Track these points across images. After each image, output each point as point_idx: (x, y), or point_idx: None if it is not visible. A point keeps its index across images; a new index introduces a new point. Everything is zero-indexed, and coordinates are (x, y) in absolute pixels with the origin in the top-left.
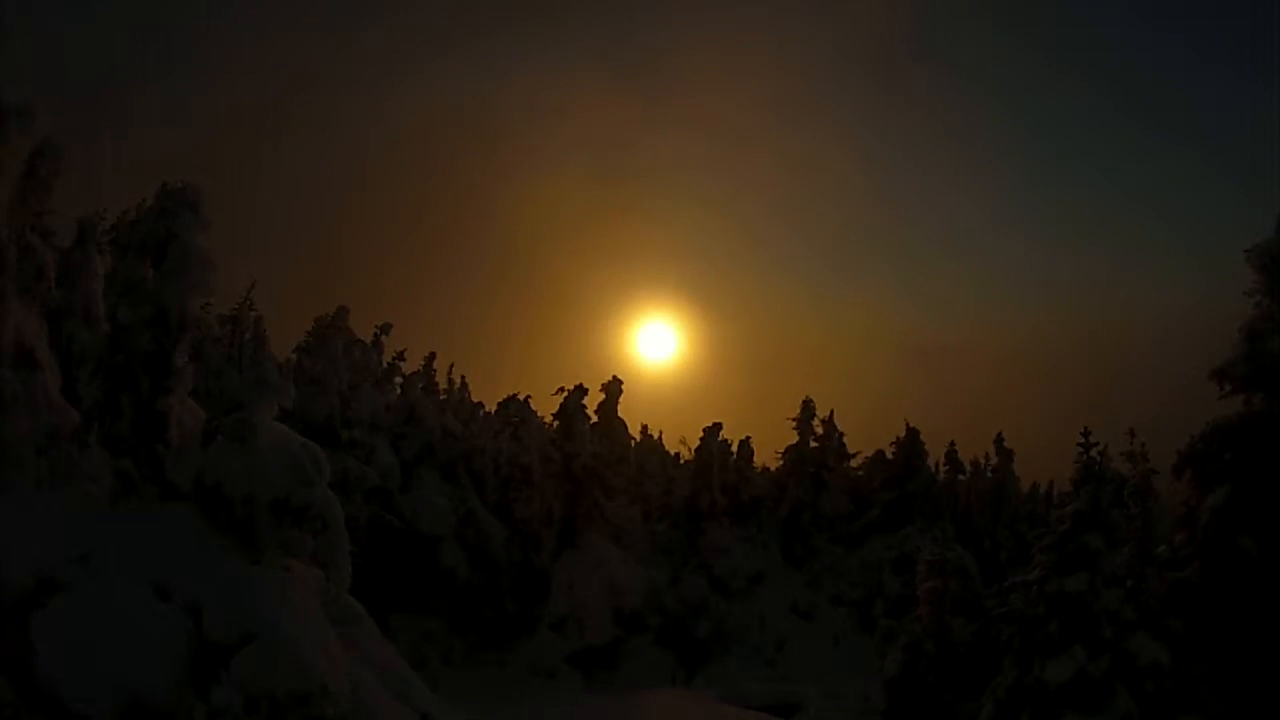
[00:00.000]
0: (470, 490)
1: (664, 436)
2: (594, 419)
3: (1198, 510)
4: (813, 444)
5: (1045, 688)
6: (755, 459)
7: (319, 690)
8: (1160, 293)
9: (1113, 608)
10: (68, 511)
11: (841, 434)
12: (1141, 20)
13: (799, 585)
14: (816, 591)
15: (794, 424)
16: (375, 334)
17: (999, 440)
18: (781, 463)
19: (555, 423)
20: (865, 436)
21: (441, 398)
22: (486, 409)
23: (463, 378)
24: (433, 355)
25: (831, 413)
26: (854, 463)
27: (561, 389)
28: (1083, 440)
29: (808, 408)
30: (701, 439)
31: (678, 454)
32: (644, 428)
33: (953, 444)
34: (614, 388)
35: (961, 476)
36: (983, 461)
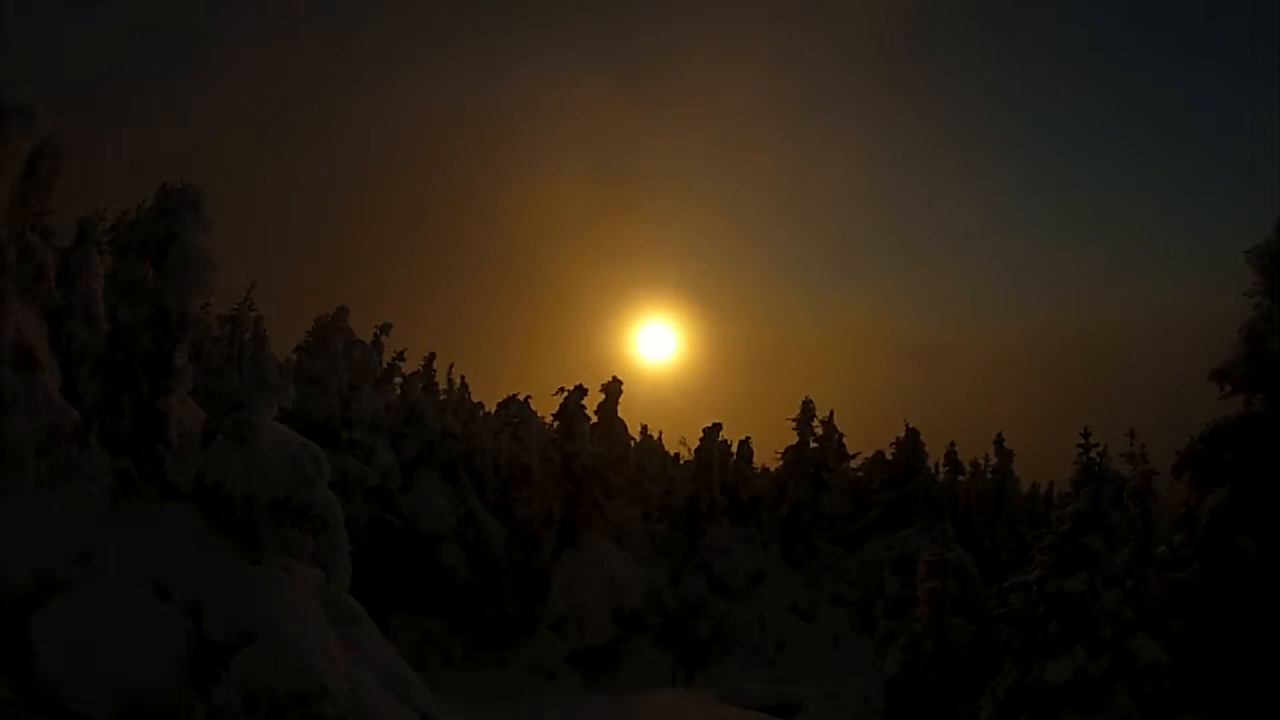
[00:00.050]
0: (470, 490)
1: (664, 437)
2: (594, 419)
3: (1197, 511)
4: (812, 444)
5: (1045, 688)
6: (755, 459)
7: (319, 690)
8: (1160, 293)
9: (1112, 608)
10: (68, 511)
11: (841, 434)
12: (1141, 21)
13: (799, 585)
14: (816, 592)
15: (794, 424)
16: (375, 334)
17: (999, 441)
18: (781, 463)
19: (555, 423)
20: (865, 437)
21: (441, 398)
22: (486, 409)
23: (463, 378)
24: (433, 355)
25: (831, 413)
26: (854, 463)
27: (561, 389)
28: (1082, 441)
29: (807, 408)
30: (701, 439)
31: (678, 454)
32: (644, 428)
33: (952, 444)
34: (614, 388)
35: (961, 477)
36: (982, 462)
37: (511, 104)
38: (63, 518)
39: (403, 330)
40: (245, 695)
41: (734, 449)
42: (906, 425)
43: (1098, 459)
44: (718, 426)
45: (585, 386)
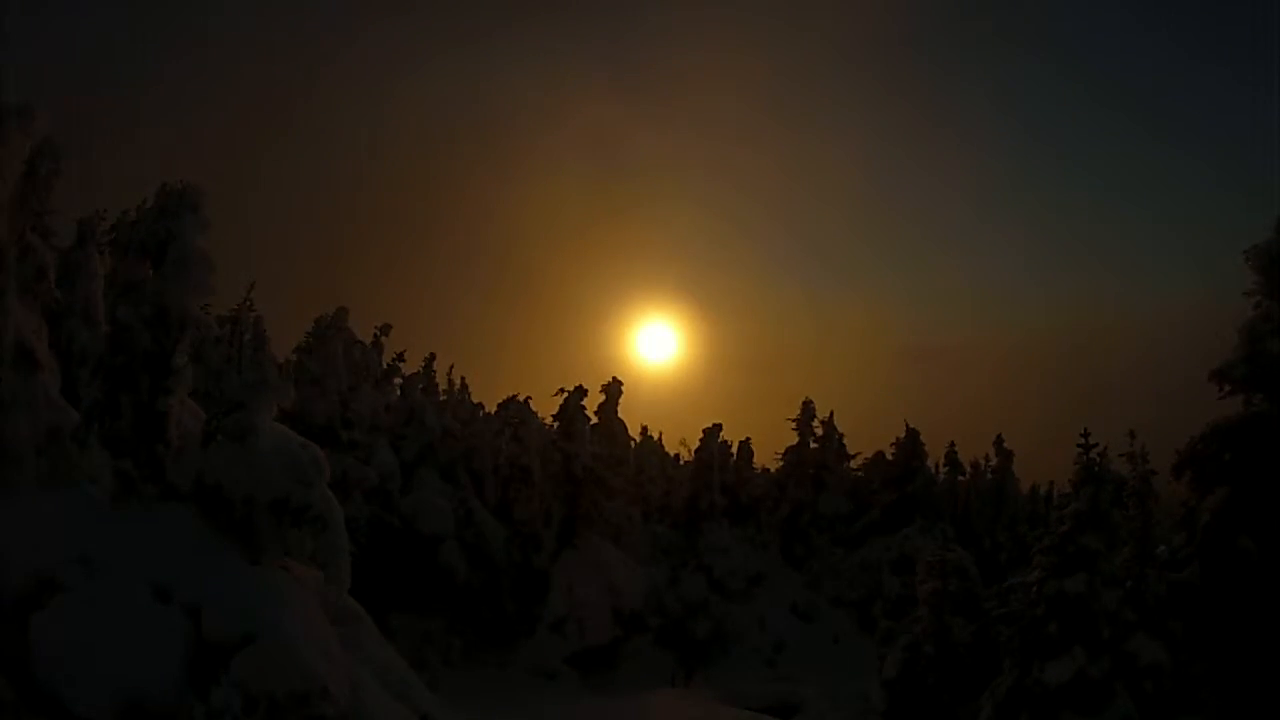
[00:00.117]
0: (470, 491)
1: (664, 437)
2: (594, 420)
3: (1197, 511)
4: (812, 445)
5: (1045, 689)
6: (755, 460)
7: (319, 691)
8: (1159, 293)
9: (1112, 609)
10: (68, 512)
11: (841, 435)
12: (1141, 22)
13: (798, 586)
14: (816, 592)
15: (794, 425)
16: (375, 335)
17: (999, 441)
18: (781, 463)
19: (555, 423)
20: (865, 437)
21: (441, 398)
22: (486, 410)
23: (463, 378)
24: (432, 356)
25: (831, 414)
26: (854, 464)
27: (561, 390)
28: (1082, 441)
29: (807, 409)
30: (701, 440)
31: (677, 455)
32: (644, 428)
33: (952, 445)
34: (614, 388)
35: (961, 477)
36: (982, 462)
37: (511, 105)
38: (63, 518)
39: (403, 331)
40: (245, 696)
41: (734, 449)
42: (906, 426)
43: (1097, 459)
44: (718, 427)
45: (585, 387)
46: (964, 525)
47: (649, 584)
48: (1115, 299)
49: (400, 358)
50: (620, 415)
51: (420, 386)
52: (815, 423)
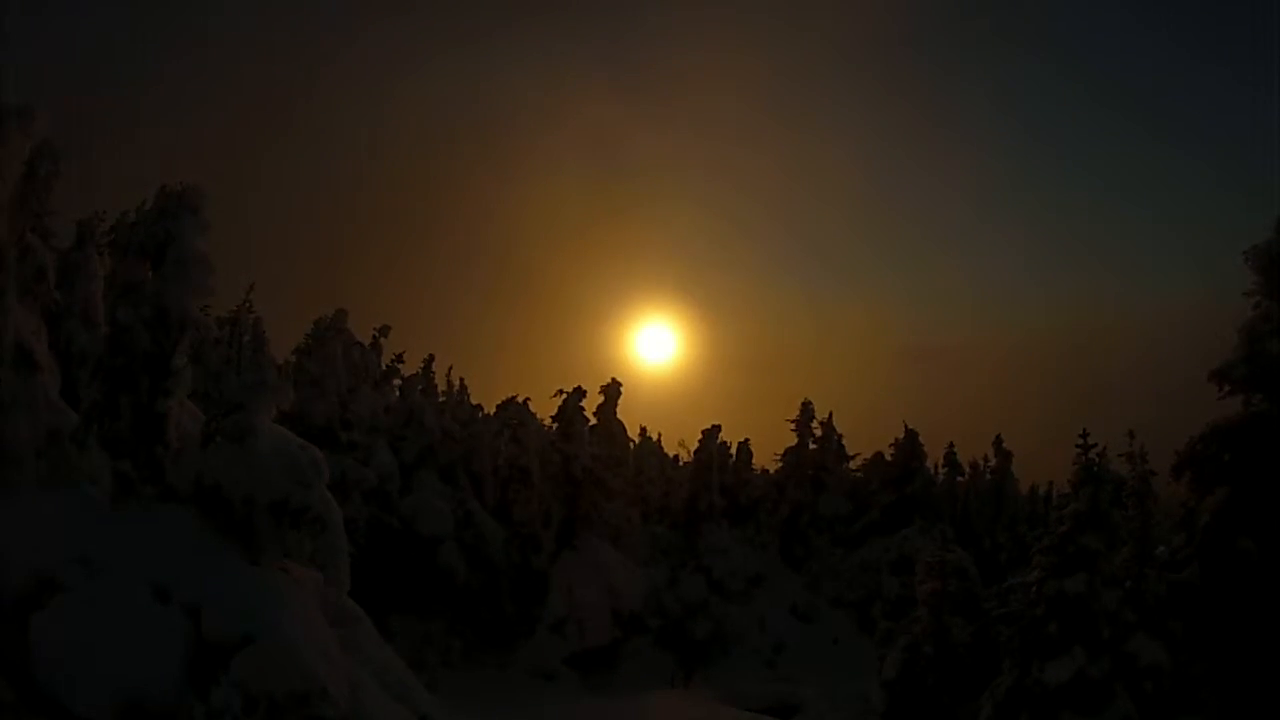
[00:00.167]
0: (469, 492)
1: (663, 438)
2: (593, 421)
3: (1197, 511)
4: (811, 446)
5: (1044, 689)
6: (754, 461)
7: (318, 691)
8: (1159, 293)
9: (1112, 609)
10: (67, 513)
11: (840, 436)
12: (1142, 22)
13: (798, 587)
14: (815, 593)
15: (793, 426)
16: (374, 336)
17: (998, 441)
18: (780, 464)
19: (554, 425)
20: (864, 438)
21: (440, 400)
22: (485, 411)
23: (462, 380)
24: (431, 357)
25: (830, 414)
26: (853, 464)
27: (560, 391)
28: (1081, 441)
29: (806, 409)
30: (700, 441)
31: (677, 456)
32: (643, 429)
33: (952, 445)
34: (613, 389)
35: (960, 478)
36: (982, 463)
37: (511, 105)
38: (62, 519)
39: (402, 332)
40: (244, 696)
41: (733, 450)
42: (906, 426)
43: (1097, 459)
44: (717, 428)
45: (584, 388)
46: (963, 526)
47: (648, 585)
48: (1115, 299)
49: (399, 359)
50: (619, 416)
51: (419, 388)
52: (814, 423)
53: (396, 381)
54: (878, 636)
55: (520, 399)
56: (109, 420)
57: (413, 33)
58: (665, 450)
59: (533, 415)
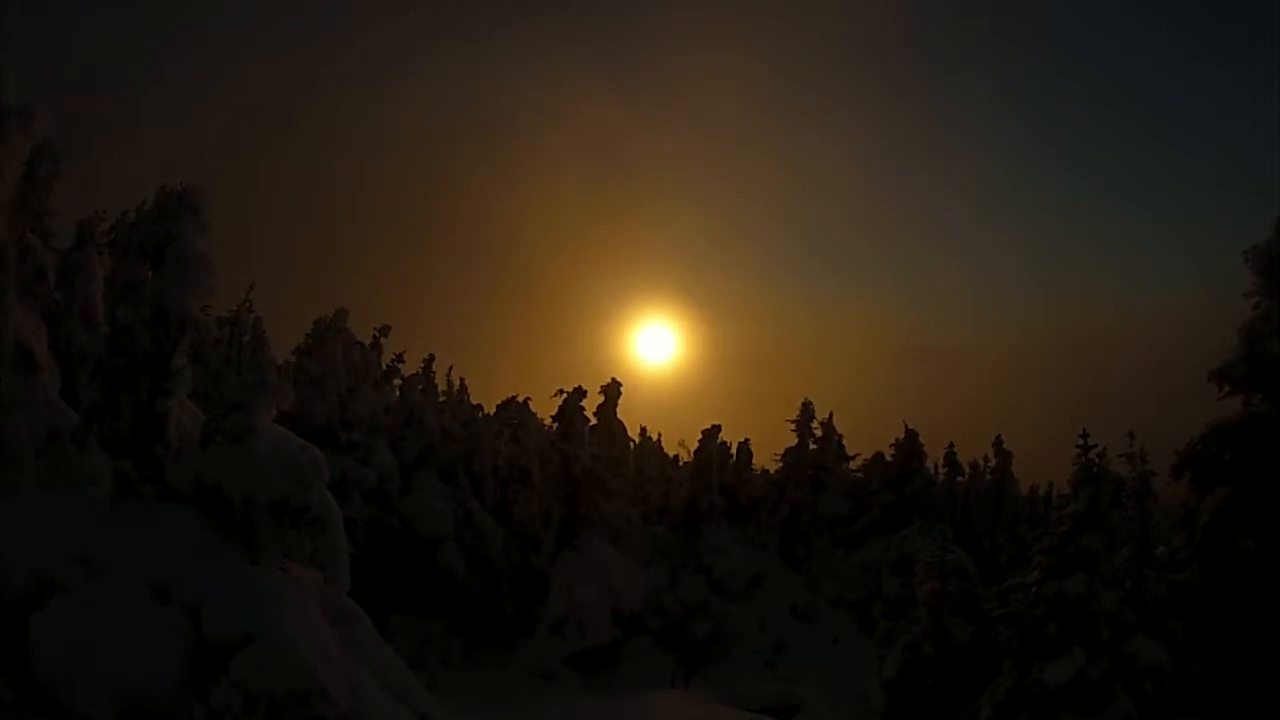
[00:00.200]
0: (469, 492)
1: (663, 438)
2: (593, 421)
3: (1197, 512)
4: (812, 446)
5: (1044, 689)
6: (754, 461)
7: (318, 691)
8: (1159, 294)
9: (1112, 609)
10: (67, 513)
11: (840, 436)
12: (1142, 22)
13: (798, 587)
14: (815, 593)
15: (793, 426)
16: (374, 336)
17: (998, 442)
18: (780, 464)
19: (554, 425)
20: (864, 438)
21: (440, 400)
22: (485, 411)
23: (462, 380)
24: (432, 357)
25: (830, 414)
26: (853, 464)
27: (560, 391)
28: (1081, 442)
29: (806, 409)
30: (700, 441)
31: (677, 456)
32: (643, 430)
33: (952, 445)
34: (613, 390)
35: (960, 478)
36: (982, 463)
37: (510, 105)
38: (62, 519)
39: (402, 332)
40: (244, 696)
41: (733, 450)
42: (906, 426)
43: (1097, 460)
44: (717, 428)
45: (584, 388)
46: (963, 526)
47: (648, 585)
48: (1115, 299)
49: (399, 359)
50: (619, 416)
51: (419, 388)
52: (814, 424)
53: (396, 381)
54: (878, 637)
55: (520, 399)
56: (109, 420)
57: (413, 33)
58: (665, 450)
59: (533, 415)
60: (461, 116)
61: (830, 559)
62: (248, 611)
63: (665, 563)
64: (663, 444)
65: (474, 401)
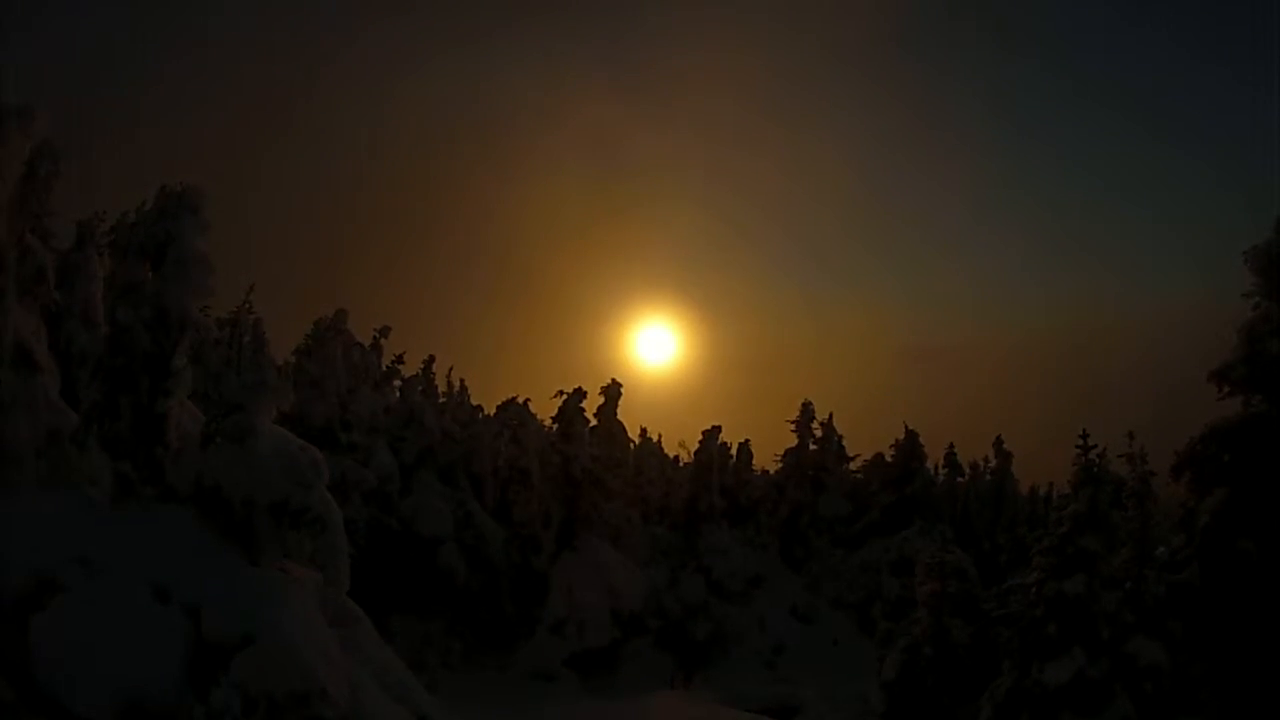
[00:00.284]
0: (469, 493)
1: (663, 439)
2: (593, 422)
3: (1196, 512)
4: (812, 446)
5: (1044, 690)
6: (754, 461)
7: (318, 692)
8: (1158, 294)
9: (1111, 610)
10: (67, 513)
11: (840, 436)
12: (1139, 22)
13: (798, 588)
14: (815, 594)
15: (793, 426)
16: (374, 337)
17: (998, 442)
18: (780, 465)
19: (554, 425)
20: (864, 439)
21: (441, 400)
22: (485, 412)
23: (462, 380)
24: (431, 358)
25: (830, 415)
26: (853, 465)
27: (561, 392)
28: (1081, 442)
29: (806, 410)
30: (700, 441)
31: (677, 456)
32: (643, 430)
33: (951, 446)
34: (613, 390)
35: (960, 479)
36: (982, 464)
37: (510, 105)
38: (62, 519)
39: (402, 332)
40: (244, 697)
41: (733, 451)
42: (906, 427)
43: (1096, 460)
44: (717, 429)
45: (584, 389)
46: (963, 527)
47: (648, 586)
48: (1115, 299)
49: (399, 359)
50: (619, 417)
51: (419, 388)
52: (814, 424)
53: (396, 382)
54: (877, 637)
55: (520, 400)
56: (109, 421)
57: (413, 33)
58: (665, 451)
59: (533, 416)
60: (461, 116)
61: (830, 560)
62: (248, 612)
63: (665, 563)
64: (663, 445)
65: (474, 402)
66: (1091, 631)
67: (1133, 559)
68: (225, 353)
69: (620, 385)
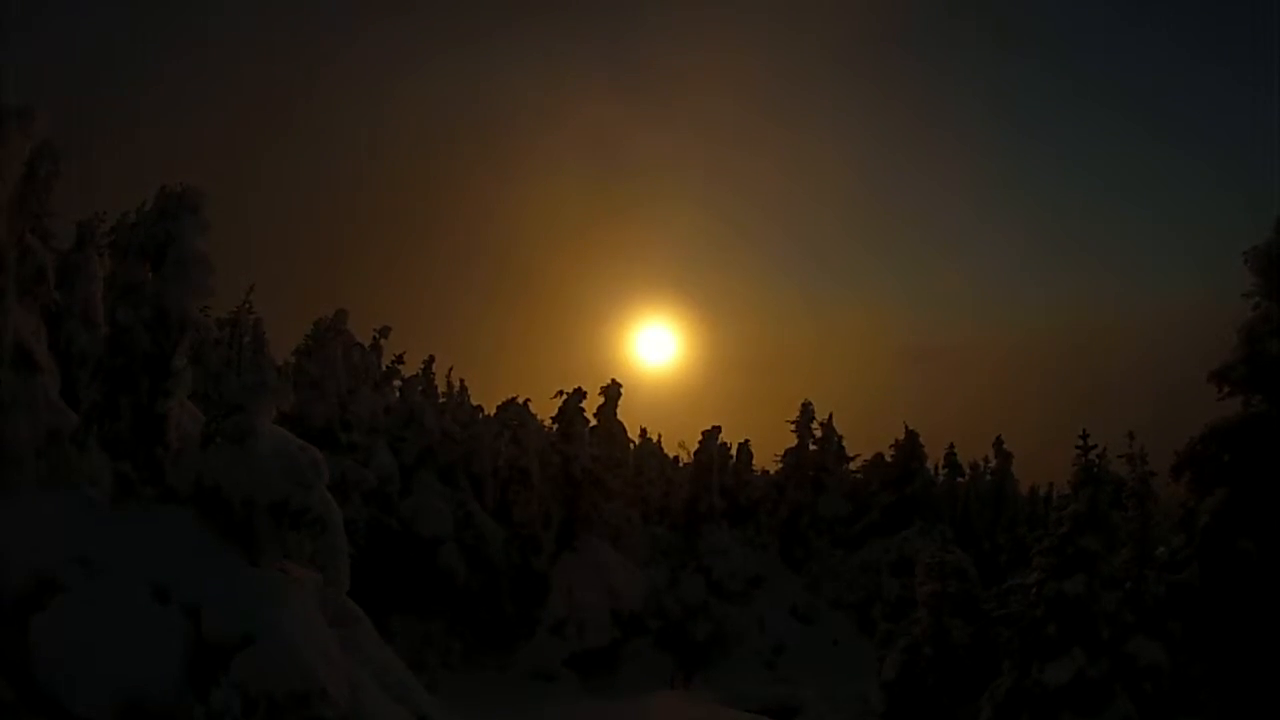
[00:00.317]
0: (469, 493)
1: (663, 439)
2: (593, 422)
3: (1196, 512)
4: (812, 447)
5: (1044, 690)
6: (754, 462)
7: (318, 692)
8: (1158, 294)
9: (1111, 610)
10: (67, 513)
11: (840, 437)
12: (1140, 22)
13: (798, 588)
14: (815, 594)
15: (793, 427)
16: (374, 337)
17: (998, 442)
18: (780, 465)
19: (554, 426)
20: (864, 439)
21: (441, 401)
22: (486, 412)
23: (462, 381)
24: (431, 358)
25: (830, 415)
26: (853, 465)
27: (561, 392)
28: (1081, 442)
29: (806, 410)
30: (700, 442)
31: (677, 457)
32: (643, 431)
33: (951, 446)
34: (613, 391)
35: (960, 479)
36: (982, 464)
37: (510, 106)
38: (62, 519)
39: (402, 332)
40: (244, 697)
41: (733, 451)
42: (906, 427)
43: (1096, 460)
44: (717, 429)
45: (584, 389)
46: (963, 527)
47: (648, 586)
48: (1115, 299)
49: (399, 360)
50: (619, 417)
51: (419, 389)
52: (814, 424)
53: (396, 382)
54: (877, 638)
55: (520, 400)
56: (109, 421)
57: (413, 33)
58: (665, 451)
59: (533, 416)
60: (462, 116)
61: (830, 560)
62: (248, 612)
63: (665, 564)
64: (663, 445)
65: (474, 402)
66: (1091, 632)
67: (1133, 559)
68: (225, 353)
69: (620, 385)
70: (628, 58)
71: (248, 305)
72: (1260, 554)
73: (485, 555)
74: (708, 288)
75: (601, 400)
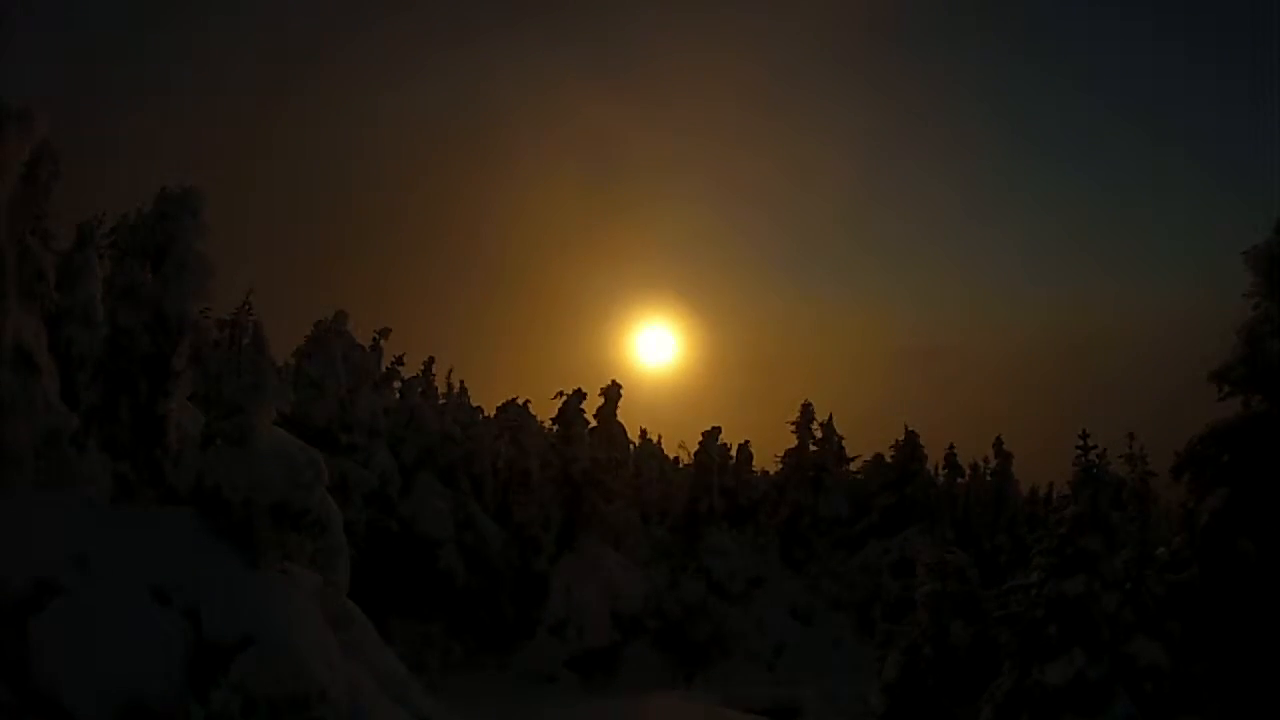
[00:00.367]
0: (469, 494)
1: (663, 440)
2: (593, 423)
3: (1196, 512)
4: (812, 447)
5: (1044, 690)
6: (754, 462)
7: (318, 693)
8: (1159, 294)
9: (1112, 610)
10: (66, 514)
11: (840, 437)
12: (1140, 22)
13: (798, 589)
14: (815, 595)
15: (793, 427)
16: (374, 338)
17: (998, 443)
18: (780, 466)
19: (554, 427)
20: (864, 439)
21: (441, 402)
22: (485, 413)
23: (461, 382)
24: (431, 359)
25: (830, 416)
26: (853, 466)
27: (561, 393)
28: (1081, 443)
29: (806, 411)
30: (700, 443)
31: (677, 458)
32: (643, 431)
33: (951, 447)
34: (613, 392)
35: (960, 479)
36: (982, 464)
37: (507, 107)
38: (62, 521)
39: (401, 333)
40: (244, 698)
41: (733, 452)
42: (906, 428)
43: (1096, 461)
44: (717, 430)
45: (584, 390)
46: (963, 527)
47: (648, 587)
48: (1115, 299)
49: (399, 361)
50: (619, 418)
51: (419, 390)
52: (814, 425)
53: (396, 383)
54: (877, 638)
55: (520, 401)
56: (109, 422)
57: (410, 34)
58: (665, 452)
59: (533, 417)
60: (460, 118)
61: (830, 561)
62: (247, 614)
63: (665, 564)
64: (663, 446)
65: (474, 403)
66: (1092, 632)
67: (1133, 559)
68: (225, 354)
69: (620, 386)
70: (625, 58)
71: (247, 306)
72: (1260, 554)
73: (485, 556)
74: (707, 288)
75: (601, 401)
